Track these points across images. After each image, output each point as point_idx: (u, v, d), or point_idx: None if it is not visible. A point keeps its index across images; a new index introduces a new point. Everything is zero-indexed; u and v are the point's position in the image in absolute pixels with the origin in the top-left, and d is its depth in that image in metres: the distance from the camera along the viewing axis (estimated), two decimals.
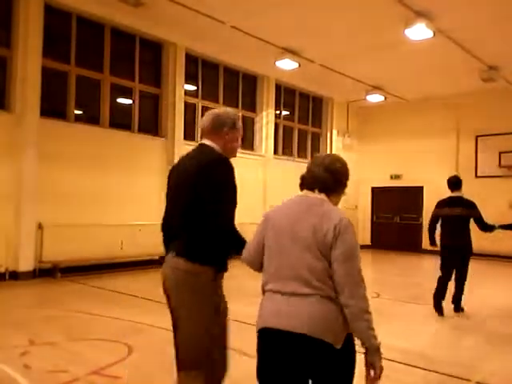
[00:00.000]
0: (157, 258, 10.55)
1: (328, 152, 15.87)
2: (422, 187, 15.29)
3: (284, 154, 14.52)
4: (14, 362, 4.09)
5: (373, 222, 16.69)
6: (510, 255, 13.07)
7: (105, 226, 9.57)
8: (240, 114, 13.06)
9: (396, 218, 16.12)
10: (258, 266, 2.31)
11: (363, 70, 12.99)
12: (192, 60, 11.63)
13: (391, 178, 16.03)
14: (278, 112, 14.25)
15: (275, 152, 13.93)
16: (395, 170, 15.85)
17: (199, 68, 11.95)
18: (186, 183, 2.56)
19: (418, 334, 4.82)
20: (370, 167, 16.52)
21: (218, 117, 2.68)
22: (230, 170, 2.50)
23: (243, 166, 12.94)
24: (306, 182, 2.22)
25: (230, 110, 2.82)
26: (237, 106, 13.01)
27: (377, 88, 14.46)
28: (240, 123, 2.75)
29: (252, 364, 4.08)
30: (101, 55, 9.96)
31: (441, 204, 6.64)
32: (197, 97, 11.94)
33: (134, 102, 10.62)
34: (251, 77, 13.40)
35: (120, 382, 3.78)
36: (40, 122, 8.69)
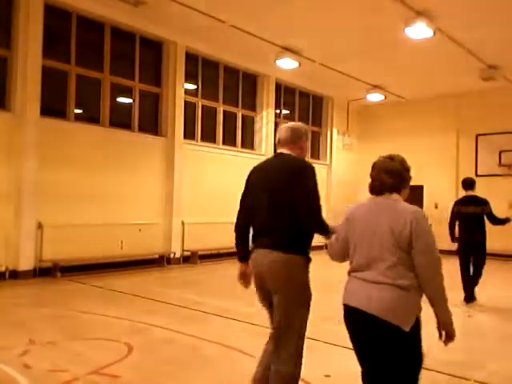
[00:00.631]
0: (157, 257, 10.58)
1: (328, 152, 15.90)
2: (421, 186, 15.29)
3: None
4: (14, 361, 4.10)
5: None
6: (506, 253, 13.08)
7: (105, 226, 9.57)
8: (240, 114, 13.07)
9: None
10: (343, 259, 2.67)
11: (363, 69, 12.99)
12: (192, 59, 11.62)
13: None
14: (278, 111, 14.25)
15: (275, 152, 13.91)
16: None
17: (199, 67, 11.94)
18: (280, 186, 2.93)
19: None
20: (369, 167, 16.31)
21: (295, 130, 3.18)
22: (315, 172, 2.97)
23: (243, 165, 12.96)
24: (376, 190, 2.55)
25: (301, 124, 3.35)
26: (237, 106, 13.01)
27: (377, 87, 14.45)
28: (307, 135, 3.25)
29: (252, 364, 4.08)
30: (101, 54, 9.95)
31: (458, 203, 7.38)
32: (197, 96, 11.94)
33: (134, 101, 10.62)
34: (251, 76, 13.39)
35: (120, 382, 3.78)
36: (40, 122, 8.69)
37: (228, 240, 13.46)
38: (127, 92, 10.58)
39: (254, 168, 3.25)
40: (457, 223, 7.36)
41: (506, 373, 4.23)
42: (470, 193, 7.27)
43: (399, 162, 2.55)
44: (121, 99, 10.63)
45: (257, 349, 4.62)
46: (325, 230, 2.92)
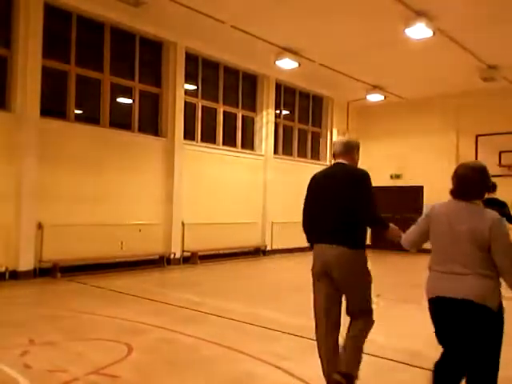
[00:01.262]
0: (157, 257, 10.58)
1: (328, 152, 15.89)
2: (421, 187, 15.29)
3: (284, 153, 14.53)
4: (14, 361, 4.09)
5: None
6: None
7: (105, 226, 9.57)
8: (240, 114, 13.07)
9: (396, 218, 16.14)
10: (417, 249, 3.18)
11: (363, 70, 12.99)
12: (192, 59, 11.62)
13: (391, 177, 16.02)
14: (277, 111, 14.25)
15: (275, 152, 13.93)
16: (395, 169, 15.84)
17: (199, 67, 11.94)
18: (343, 190, 3.51)
19: (418, 333, 4.83)
20: (369, 167, 16.40)
21: (347, 144, 3.73)
22: (370, 178, 3.56)
23: (243, 165, 13.00)
24: (458, 195, 2.87)
25: (353, 138, 4.03)
26: (237, 106, 13.01)
27: (377, 87, 14.45)
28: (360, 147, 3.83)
29: (252, 364, 4.08)
30: (101, 55, 9.96)
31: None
32: (197, 96, 11.94)
33: (133, 101, 10.62)
34: (251, 76, 13.39)
35: (120, 382, 3.78)
36: (40, 122, 8.69)
37: (228, 240, 13.53)
38: (127, 92, 10.58)
39: (316, 175, 3.78)
40: None
41: (506, 373, 4.23)
42: (491, 195, 7.54)
43: (480, 171, 2.87)
44: (121, 99, 10.63)
45: (257, 349, 4.63)
46: (384, 225, 3.56)
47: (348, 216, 3.45)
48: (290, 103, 14.81)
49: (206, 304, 6.65)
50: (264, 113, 13.51)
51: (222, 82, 12.52)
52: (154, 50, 11.08)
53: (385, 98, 15.03)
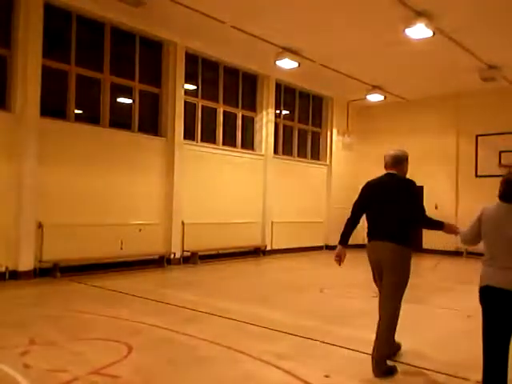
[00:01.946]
0: (157, 257, 10.58)
1: (328, 152, 15.91)
2: (421, 187, 15.28)
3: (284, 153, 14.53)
4: (14, 361, 4.09)
5: None
6: None
7: (105, 226, 9.57)
8: (240, 114, 13.07)
9: None
10: (474, 244, 3.57)
11: (363, 70, 12.99)
12: (192, 59, 11.62)
13: None
14: (278, 111, 14.25)
15: (275, 152, 13.93)
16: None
17: (199, 67, 11.94)
18: (396, 196, 4.21)
19: (418, 333, 4.84)
20: (369, 167, 16.49)
21: (396, 157, 4.40)
22: (416, 185, 4.31)
23: (243, 165, 13.00)
24: (506, 198, 3.34)
25: (401, 151, 4.47)
26: (237, 106, 13.01)
27: (377, 87, 14.45)
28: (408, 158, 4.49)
29: (252, 364, 4.09)
30: (101, 55, 9.95)
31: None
32: (197, 96, 11.94)
33: (134, 101, 10.62)
34: (251, 76, 13.39)
35: (120, 382, 3.78)
36: (40, 122, 8.68)
37: (228, 240, 13.53)
38: (127, 92, 10.58)
39: (369, 182, 4.43)
40: None
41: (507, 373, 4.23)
42: None
43: None
44: (121, 99, 10.62)
45: (256, 349, 4.63)
46: (439, 223, 4.23)
47: (396, 218, 4.13)
48: (290, 103, 14.81)
49: (206, 304, 6.66)
50: (264, 113, 13.51)
51: (222, 82, 12.52)
52: (154, 50, 11.08)
53: (385, 98, 15.02)
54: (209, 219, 11.67)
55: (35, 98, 8.61)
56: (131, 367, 4.08)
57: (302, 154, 15.17)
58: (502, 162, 13.77)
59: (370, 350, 4.12)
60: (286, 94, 14.58)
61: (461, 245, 13.50)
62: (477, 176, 14.21)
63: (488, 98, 13.89)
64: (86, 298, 7.08)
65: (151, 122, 11.07)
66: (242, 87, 13.11)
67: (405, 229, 4.16)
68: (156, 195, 10.75)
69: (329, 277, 10.09)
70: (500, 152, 13.86)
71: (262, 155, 13.48)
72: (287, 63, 11.82)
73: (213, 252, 11.80)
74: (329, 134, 15.95)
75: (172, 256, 10.89)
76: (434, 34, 9.47)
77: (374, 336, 4.16)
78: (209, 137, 12.23)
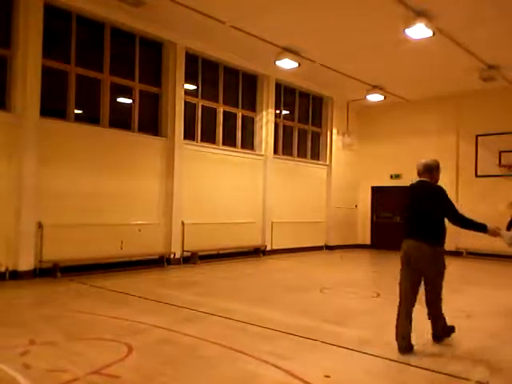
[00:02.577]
0: (157, 257, 10.58)
1: (328, 152, 15.91)
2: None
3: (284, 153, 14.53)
4: (14, 361, 4.09)
5: (373, 222, 16.65)
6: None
7: (105, 226, 9.57)
8: (240, 114, 13.07)
9: (396, 218, 16.10)
10: None
11: (363, 70, 13.00)
12: (192, 59, 11.62)
13: (391, 177, 16.02)
14: (277, 111, 14.25)
15: (275, 152, 13.93)
16: (395, 169, 15.83)
17: (199, 67, 11.94)
18: (426, 201, 4.72)
19: (418, 334, 4.84)
20: (369, 167, 16.53)
21: (427, 165, 4.87)
22: (445, 191, 4.75)
23: (243, 165, 13.00)
24: None
25: (431, 160, 4.91)
26: (237, 106, 13.01)
27: (377, 87, 14.45)
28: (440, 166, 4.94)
29: (252, 364, 4.09)
30: (101, 55, 9.95)
31: None
32: (197, 96, 11.94)
33: (133, 101, 10.62)
34: (251, 76, 13.39)
35: (120, 382, 3.78)
36: (40, 122, 8.69)
37: (228, 240, 13.55)
38: (127, 92, 10.58)
39: (408, 188, 4.96)
40: None
41: (507, 373, 4.23)
42: None
43: None
44: (121, 99, 10.62)
45: (257, 349, 4.63)
46: (479, 227, 4.67)
47: (429, 220, 4.64)
48: (289, 103, 14.81)
49: (206, 304, 6.65)
50: (264, 113, 13.51)
51: (222, 82, 12.52)
52: (154, 49, 11.08)
53: (385, 98, 15.03)
54: (209, 219, 11.67)
55: (35, 98, 8.61)
56: (131, 367, 4.08)
57: (301, 154, 15.16)
58: (502, 162, 13.78)
59: (370, 350, 4.11)
60: (286, 94, 14.58)
61: (461, 245, 13.56)
62: (477, 176, 14.21)
63: (488, 97, 13.90)
64: (86, 298, 7.08)
65: (151, 122, 11.07)
66: (241, 87, 13.11)
67: (435, 229, 4.65)
68: (156, 195, 10.75)
69: (329, 277, 10.09)
70: (500, 152, 13.86)
71: (262, 155, 13.48)
72: (287, 63, 11.83)
73: (213, 252, 11.80)
74: (329, 134, 15.95)
75: (172, 256, 10.89)
76: (433, 33, 9.49)
77: (373, 336, 4.16)
78: (209, 137, 12.23)
